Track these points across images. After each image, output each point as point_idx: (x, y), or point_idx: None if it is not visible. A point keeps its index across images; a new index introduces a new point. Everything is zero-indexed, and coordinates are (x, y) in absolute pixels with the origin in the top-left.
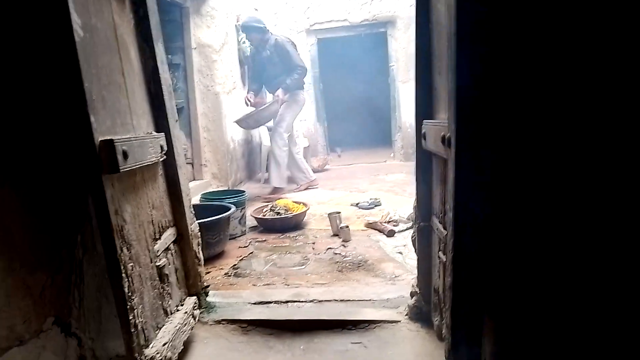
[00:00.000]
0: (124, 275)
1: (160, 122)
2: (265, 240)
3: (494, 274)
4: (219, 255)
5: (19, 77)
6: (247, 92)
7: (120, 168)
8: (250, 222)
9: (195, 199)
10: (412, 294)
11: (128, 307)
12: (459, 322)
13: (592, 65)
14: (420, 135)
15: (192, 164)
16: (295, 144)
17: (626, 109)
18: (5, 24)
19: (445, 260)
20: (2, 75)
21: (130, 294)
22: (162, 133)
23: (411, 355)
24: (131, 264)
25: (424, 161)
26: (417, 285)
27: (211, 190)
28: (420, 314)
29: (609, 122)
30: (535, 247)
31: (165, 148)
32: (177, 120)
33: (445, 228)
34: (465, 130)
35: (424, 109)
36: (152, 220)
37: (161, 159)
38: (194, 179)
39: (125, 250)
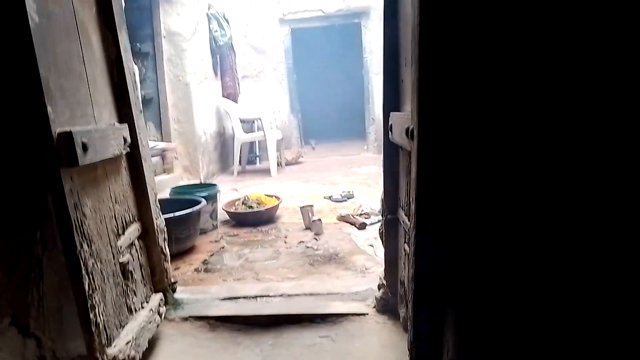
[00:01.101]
0: (84, 272)
1: (124, 113)
2: (237, 235)
3: (456, 266)
4: (190, 251)
5: None
6: None
7: (80, 161)
8: (222, 215)
9: (166, 193)
10: (379, 287)
11: (88, 305)
12: (421, 313)
13: (560, 62)
14: (387, 128)
15: (162, 156)
16: None
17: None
18: None
19: (409, 251)
20: None
21: (90, 291)
22: (126, 124)
23: (377, 347)
24: (92, 261)
25: (391, 154)
26: (384, 278)
27: (182, 183)
28: (387, 306)
29: (573, 121)
30: (496, 240)
31: (129, 140)
32: (141, 111)
33: (410, 220)
34: (428, 122)
35: (391, 101)
36: (115, 215)
37: (125, 152)
38: (165, 172)
39: (85, 246)
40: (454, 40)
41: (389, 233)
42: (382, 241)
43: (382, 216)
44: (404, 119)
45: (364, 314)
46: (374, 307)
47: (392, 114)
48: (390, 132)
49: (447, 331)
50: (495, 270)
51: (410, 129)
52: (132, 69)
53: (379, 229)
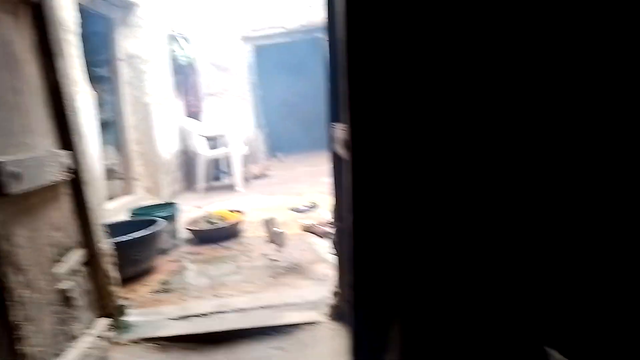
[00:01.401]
0: (11, 303)
1: (65, 139)
2: (199, 253)
3: (397, 275)
4: (148, 272)
5: None
6: None
7: (10, 191)
8: (186, 234)
9: (126, 215)
10: (334, 294)
11: (17, 337)
12: (360, 321)
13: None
14: (331, 139)
15: (123, 178)
16: None
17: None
18: None
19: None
20: None
21: (22, 322)
22: (67, 151)
23: (329, 354)
24: (26, 291)
25: (337, 164)
26: (338, 286)
27: (143, 205)
28: (340, 313)
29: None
30: (434, 248)
31: (71, 166)
32: (81, 137)
33: None
34: (359, 133)
35: (333, 113)
36: (54, 243)
37: (64, 178)
38: (126, 194)
39: (19, 277)
40: (380, 57)
41: (341, 241)
42: (336, 250)
43: (333, 225)
44: (342, 130)
45: (317, 322)
46: (329, 315)
47: (334, 125)
48: (333, 143)
49: (392, 341)
50: (434, 274)
51: (346, 140)
52: (71, 96)
53: (332, 238)
